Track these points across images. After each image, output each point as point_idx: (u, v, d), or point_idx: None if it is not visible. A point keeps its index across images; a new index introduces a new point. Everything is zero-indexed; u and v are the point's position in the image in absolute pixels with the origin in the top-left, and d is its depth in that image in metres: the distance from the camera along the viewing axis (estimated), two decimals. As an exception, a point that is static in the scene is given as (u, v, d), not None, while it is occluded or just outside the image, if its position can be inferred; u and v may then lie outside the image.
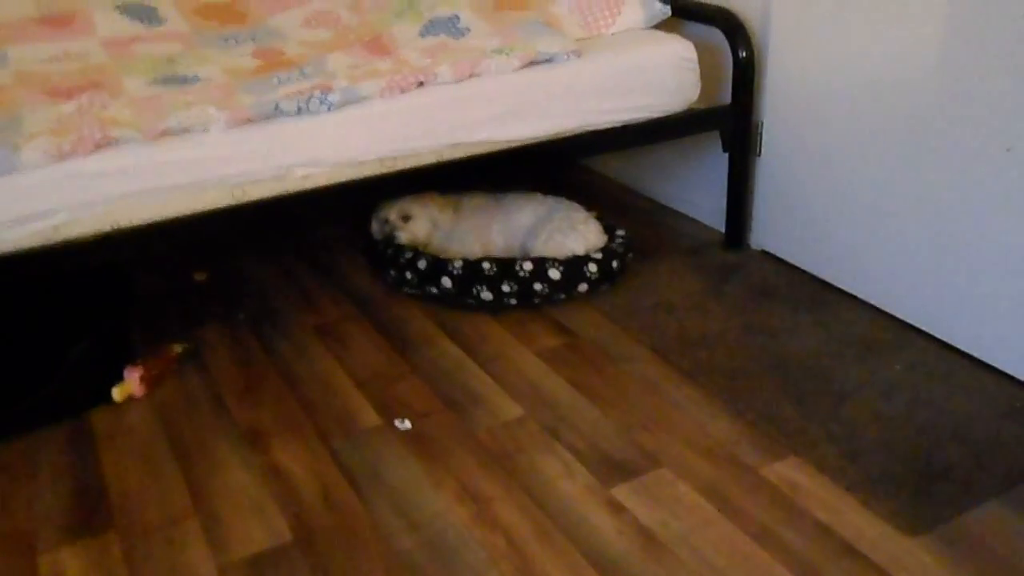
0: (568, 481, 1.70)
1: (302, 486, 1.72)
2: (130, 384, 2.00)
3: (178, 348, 2.16)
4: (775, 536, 1.55)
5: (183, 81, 2.15)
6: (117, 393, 1.98)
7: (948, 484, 1.63)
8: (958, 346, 2.01)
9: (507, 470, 1.74)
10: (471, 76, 2.09)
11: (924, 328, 2.08)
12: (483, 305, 2.28)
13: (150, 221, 1.83)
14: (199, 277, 2.56)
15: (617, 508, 1.63)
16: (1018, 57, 1.73)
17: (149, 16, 2.56)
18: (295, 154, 1.93)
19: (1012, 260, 1.85)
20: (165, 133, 1.81)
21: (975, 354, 1.98)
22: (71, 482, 1.75)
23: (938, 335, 2.05)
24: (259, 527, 1.62)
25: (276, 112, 1.90)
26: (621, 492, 1.67)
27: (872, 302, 2.21)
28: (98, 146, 1.75)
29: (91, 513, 1.67)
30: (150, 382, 2.02)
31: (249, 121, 1.88)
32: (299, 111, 1.92)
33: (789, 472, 1.69)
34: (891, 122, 2.04)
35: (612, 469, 1.73)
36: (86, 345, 1.95)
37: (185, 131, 1.84)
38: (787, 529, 1.56)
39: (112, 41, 2.42)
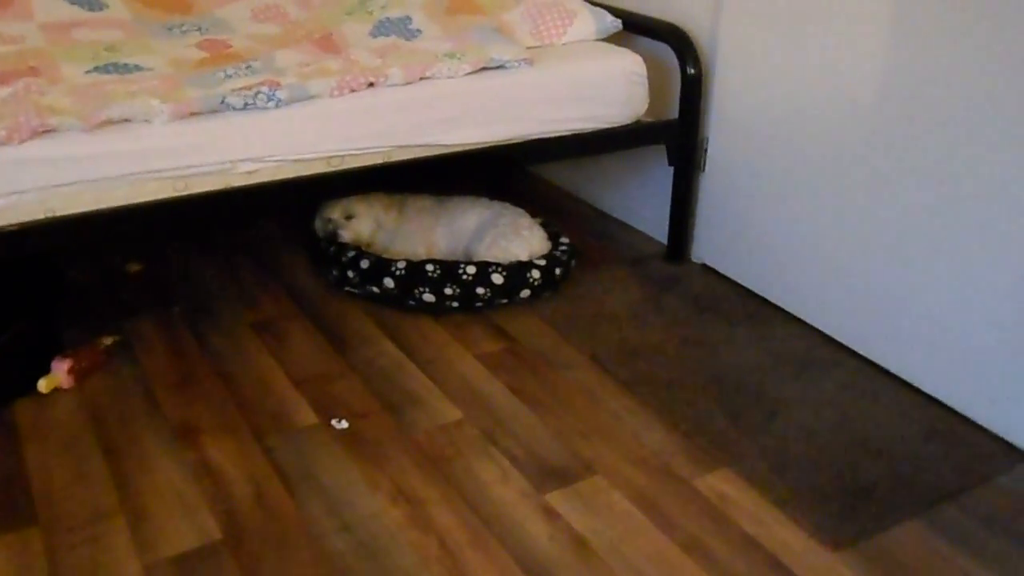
0: (503, 486, 1.71)
1: (234, 484, 1.70)
2: (57, 376, 1.95)
3: (109, 340, 2.11)
4: (704, 547, 1.57)
5: (125, 70, 2.10)
6: (43, 385, 1.93)
7: (871, 501, 1.67)
8: (887, 367, 2.07)
9: (443, 473, 1.74)
10: (422, 79, 2.09)
11: (855, 348, 2.14)
12: (425, 307, 2.28)
13: (87, 211, 1.79)
14: (133, 268, 2.51)
15: (551, 514, 1.64)
16: (958, 84, 1.79)
17: (90, 1, 2.50)
18: (240, 149, 1.90)
19: (940, 287, 1.91)
20: (106, 123, 1.77)
21: (903, 376, 2.04)
22: (-8, 475, 1.71)
23: (868, 355, 2.11)
24: (188, 525, 1.60)
25: (222, 106, 1.87)
26: (555, 498, 1.68)
27: (807, 320, 2.26)
28: (35, 133, 1.71)
29: (12, 507, 1.62)
30: (79, 374, 1.97)
31: (193, 114, 1.85)
32: (246, 106, 1.89)
33: (720, 484, 1.72)
34: (833, 144, 2.09)
35: (547, 475, 1.74)
36: (11, 334, 1.89)
37: (126, 121, 1.80)
38: (715, 540, 1.59)
39: (51, 25, 2.36)
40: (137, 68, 2.11)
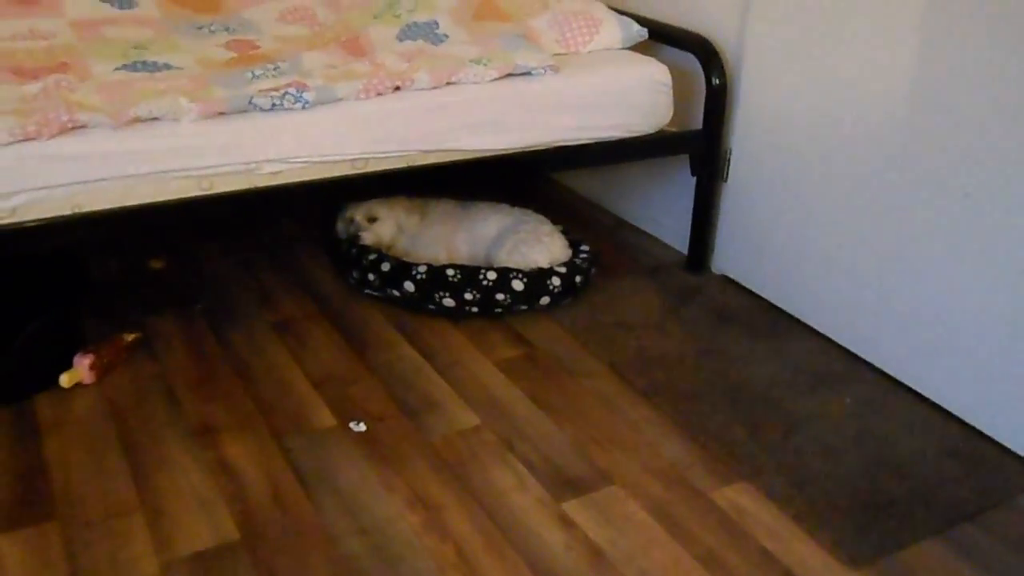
0: (520, 494, 1.71)
1: (251, 484, 1.70)
2: (79, 371, 1.96)
3: (130, 337, 2.12)
4: (720, 560, 1.57)
5: (153, 68, 2.12)
6: (65, 379, 1.94)
7: (890, 519, 1.66)
8: (908, 383, 2.06)
9: (460, 479, 1.74)
10: (448, 84, 2.09)
11: (876, 363, 2.13)
12: (444, 312, 2.28)
13: (113, 207, 1.80)
14: (156, 265, 2.52)
15: (567, 523, 1.64)
16: (984, 97, 1.78)
17: (120, -1, 2.53)
18: (266, 150, 1.91)
19: (964, 302, 1.89)
20: (134, 120, 1.79)
21: (924, 392, 2.02)
22: (12, 469, 1.71)
23: (889, 371, 2.10)
24: (205, 524, 1.60)
25: (250, 106, 1.88)
26: (572, 507, 1.68)
27: (827, 333, 2.25)
28: (64, 129, 1.72)
29: (31, 502, 1.64)
30: (100, 370, 1.99)
31: (221, 114, 1.86)
32: (273, 107, 1.90)
33: (737, 497, 1.72)
34: (856, 158, 2.08)
35: (564, 484, 1.74)
36: (35, 328, 1.90)
37: (155, 119, 1.81)
38: (732, 554, 1.58)
39: (81, 22, 2.38)
40: (166, 67, 2.12)
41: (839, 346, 2.21)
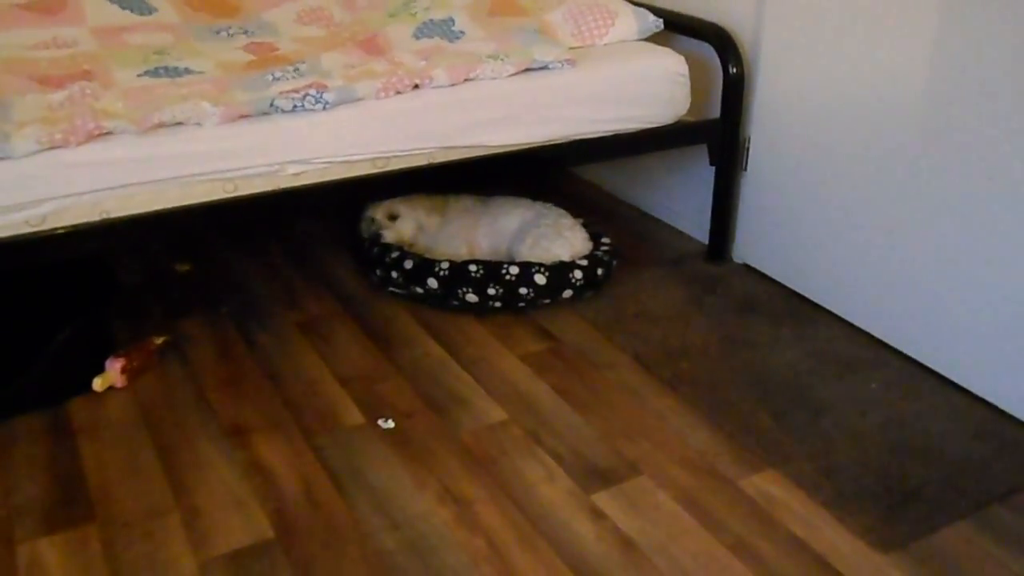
0: (549, 486, 1.72)
1: (284, 483, 1.73)
2: (111, 375, 1.99)
3: (159, 340, 2.15)
4: (751, 548, 1.58)
5: (175, 73, 2.14)
6: (98, 383, 1.97)
7: (920, 503, 1.66)
8: (933, 367, 2.06)
9: (489, 473, 1.76)
10: (466, 80, 2.10)
11: (900, 348, 2.13)
12: (468, 307, 2.30)
13: (139, 213, 1.83)
14: (182, 268, 2.55)
15: (597, 514, 1.65)
16: (1006, 85, 1.77)
17: (140, 5, 2.55)
18: (288, 151, 1.93)
19: (988, 286, 1.89)
20: (158, 125, 1.81)
21: (949, 376, 2.02)
22: (50, 472, 1.75)
23: (914, 355, 2.10)
24: (241, 523, 1.63)
25: (272, 109, 1.90)
26: (601, 499, 1.69)
27: (851, 320, 2.25)
28: (91, 136, 1.74)
29: (70, 504, 1.67)
30: (131, 373, 2.02)
31: (243, 117, 1.88)
32: (294, 108, 1.92)
33: (766, 485, 1.72)
34: (875, 145, 2.08)
35: (593, 475, 1.75)
36: (68, 334, 1.93)
37: (178, 124, 1.84)
38: (763, 541, 1.59)
39: (102, 30, 2.41)
40: (187, 71, 2.14)
41: (863, 332, 2.21)
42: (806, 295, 2.37)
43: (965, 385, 1.99)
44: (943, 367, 2.03)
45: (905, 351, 2.12)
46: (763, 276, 2.49)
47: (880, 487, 1.70)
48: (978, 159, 1.85)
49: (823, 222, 2.27)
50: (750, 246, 2.53)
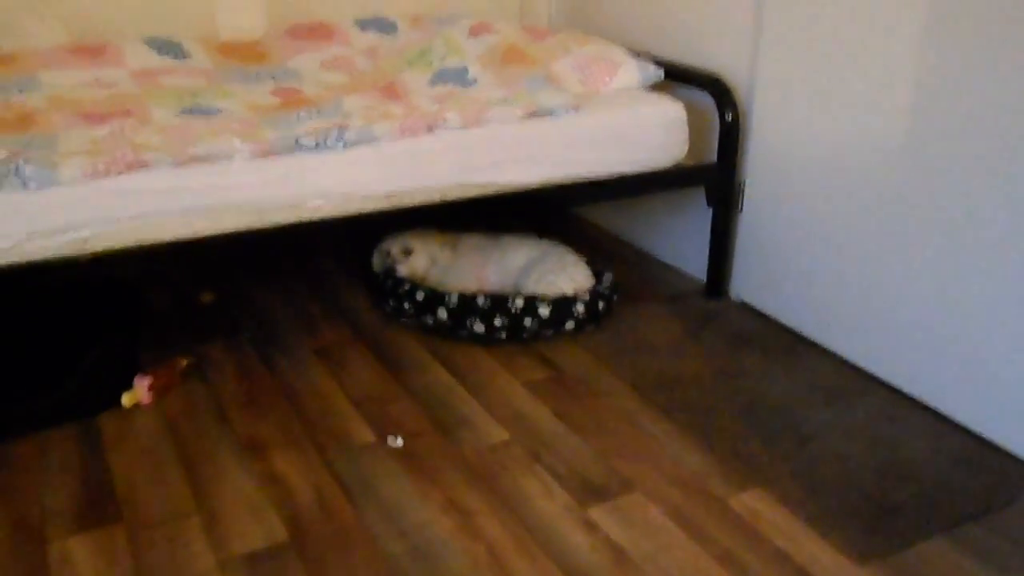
0: (547, 500, 1.83)
1: (298, 492, 1.84)
2: (139, 391, 2.12)
3: (184, 362, 2.28)
4: (736, 560, 1.67)
5: (207, 112, 2.30)
6: (126, 399, 2.10)
7: (899, 520, 1.76)
8: (916, 396, 2.16)
9: (491, 487, 1.86)
10: (477, 123, 2.25)
11: (886, 378, 2.23)
12: (475, 337, 2.42)
13: (173, 239, 1.97)
14: (206, 299, 2.69)
15: (592, 527, 1.75)
16: (994, 126, 1.89)
17: (175, 51, 2.73)
18: (309, 185, 2.07)
19: (968, 319, 2.00)
20: (192, 159, 1.96)
21: (932, 404, 2.12)
22: (80, 477, 1.86)
23: (898, 385, 2.20)
24: (257, 527, 1.73)
25: (297, 146, 2.04)
26: (596, 512, 1.79)
27: (840, 353, 2.35)
28: (130, 167, 1.89)
29: (99, 506, 1.78)
30: (157, 391, 2.14)
31: (270, 153, 2.03)
32: (317, 146, 2.07)
33: (753, 503, 1.82)
34: (865, 187, 2.20)
35: (589, 491, 1.85)
36: (100, 351, 2.07)
37: (211, 158, 1.98)
38: (748, 554, 1.68)
39: (141, 72, 2.58)
40: (219, 111, 2.30)
41: (852, 364, 2.32)
42: (799, 330, 2.48)
43: (946, 413, 2.09)
44: (926, 395, 2.13)
45: (889, 381, 2.22)
46: (758, 312, 2.61)
47: (861, 505, 1.80)
48: (970, 197, 1.95)
49: (816, 260, 2.39)
50: (746, 284, 2.65)
